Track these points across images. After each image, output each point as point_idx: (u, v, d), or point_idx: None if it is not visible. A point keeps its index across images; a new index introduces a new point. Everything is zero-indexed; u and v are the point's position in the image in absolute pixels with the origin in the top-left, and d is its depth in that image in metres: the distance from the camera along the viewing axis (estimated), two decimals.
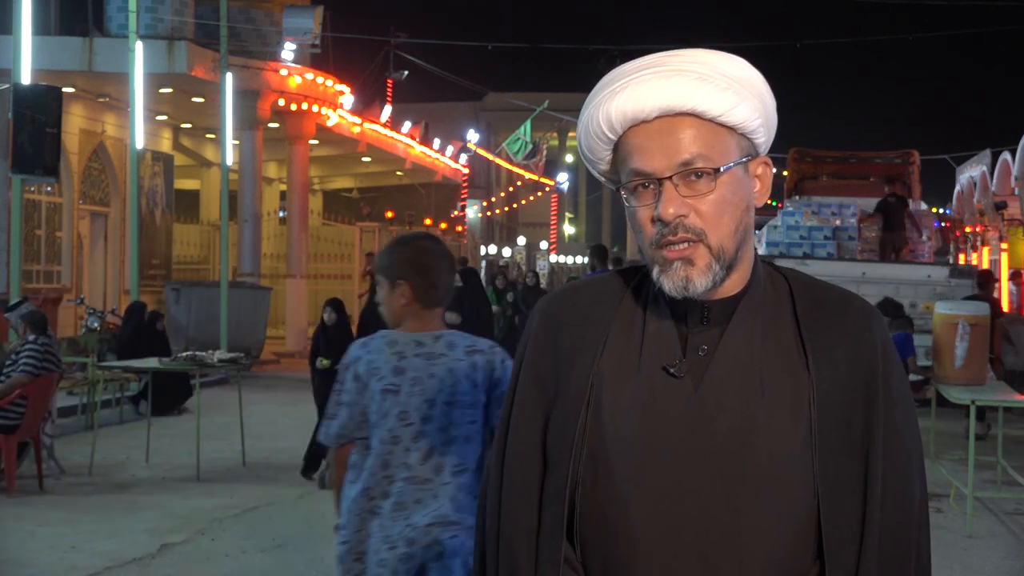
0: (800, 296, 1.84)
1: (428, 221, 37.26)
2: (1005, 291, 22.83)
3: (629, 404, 1.78)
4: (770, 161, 1.87)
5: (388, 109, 30.76)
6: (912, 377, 10.35)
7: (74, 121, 20.13)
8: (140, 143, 18.13)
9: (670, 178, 1.75)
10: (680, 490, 1.73)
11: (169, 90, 20.36)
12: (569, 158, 58.97)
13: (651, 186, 1.76)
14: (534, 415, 1.85)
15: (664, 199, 1.74)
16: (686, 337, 1.80)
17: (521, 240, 50.77)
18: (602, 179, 1.92)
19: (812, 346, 1.78)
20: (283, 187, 28.00)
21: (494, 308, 18.20)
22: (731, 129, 1.79)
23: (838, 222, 17.17)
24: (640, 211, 1.78)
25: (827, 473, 1.73)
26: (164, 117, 23.32)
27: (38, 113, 11.86)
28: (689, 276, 1.75)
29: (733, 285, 1.81)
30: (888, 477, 1.76)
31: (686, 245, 1.75)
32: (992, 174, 24.21)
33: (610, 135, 1.81)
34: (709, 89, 1.75)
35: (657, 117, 1.76)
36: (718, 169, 1.76)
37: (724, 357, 1.78)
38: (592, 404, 1.79)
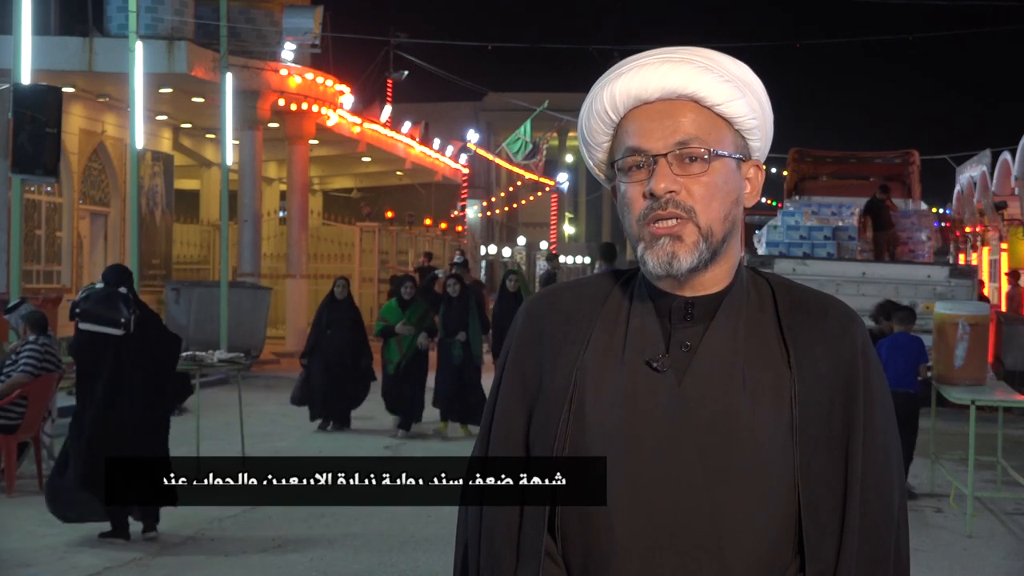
0: (782, 297, 1.87)
1: (428, 221, 37.25)
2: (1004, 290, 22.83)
3: (611, 398, 1.80)
4: (762, 166, 1.92)
5: (388, 109, 30.74)
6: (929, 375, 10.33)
7: (74, 121, 20.13)
8: (140, 143, 18.12)
9: (665, 156, 1.79)
10: (661, 483, 1.75)
11: (169, 90, 20.36)
12: (569, 158, 58.93)
13: (645, 165, 1.81)
14: (517, 411, 1.88)
15: (657, 175, 1.79)
16: (669, 333, 1.83)
17: (521, 240, 50.77)
18: (596, 172, 1.95)
19: (794, 345, 1.82)
20: (283, 187, 27.99)
21: (398, 325, 12.71)
22: (728, 123, 1.84)
23: (838, 222, 17.15)
24: (632, 187, 1.82)
25: (807, 469, 1.76)
26: (164, 117, 23.32)
27: (38, 113, 11.85)
28: (675, 252, 1.78)
29: (717, 281, 1.84)
30: (868, 475, 1.79)
31: (675, 221, 1.78)
32: (992, 174, 24.19)
33: (612, 116, 1.85)
34: (711, 78, 1.81)
35: (659, 99, 1.82)
36: (712, 152, 1.80)
37: (707, 353, 1.81)
38: (575, 399, 1.82)
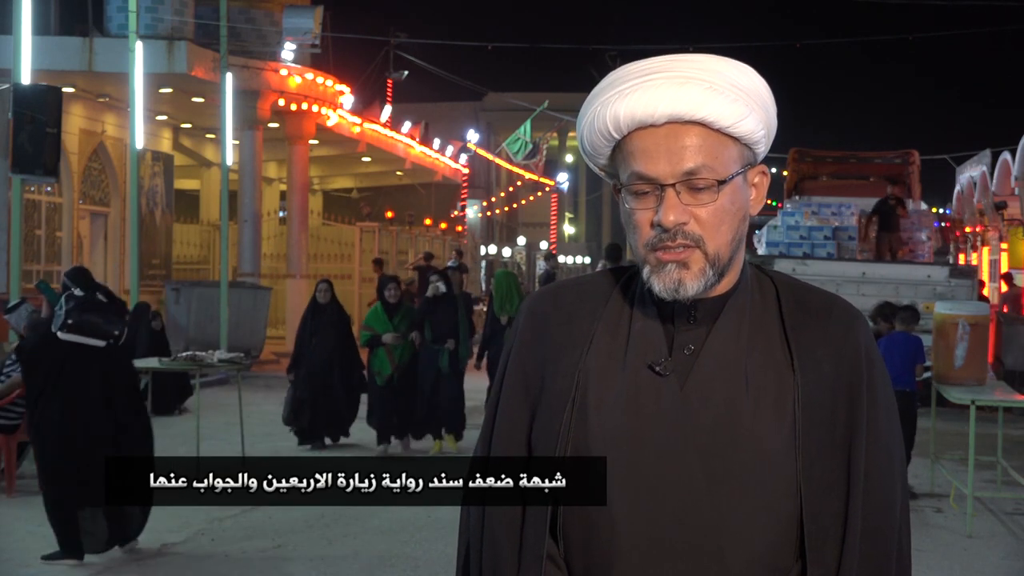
0: (785, 298, 1.86)
1: (428, 221, 37.23)
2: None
3: (614, 401, 1.79)
4: (767, 170, 1.90)
5: (388, 109, 30.73)
6: (927, 375, 10.34)
7: (74, 121, 20.12)
8: (140, 143, 18.13)
9: (673, 185, 1.76)
10: (663, 486, 1.75)
11: (169, 90, 20.36)
12: (569, 158, 58.94)
13: (652, 191, 1.78)
14: (520, 412, 1.87)
15: (666, 206, 1.76)
16: (672, 336, 1.82)
17: (521, 240, 50.74)
18: (599, 171, 1.93)
19: (796, 347, 1.81)
20: (283, 187, 27.99)
21: (386, 336, 11.50)
22: (735, 139, 1.80)
23: (838, 222, 17.15)
24: (639, 213, 1.79)
25: (810, 472, 1.76)
26: (164, 117, 23.32)
27: (38, 113, 11.85)
28: (682, 279, 1.77)
29: (721, 287, 1.82)
30: (870, 478, 1.78)
31: (682, 249, 1.76)
32: (992, 174, 24.18)
33: (615, 134, 1.82)
34: (720, 100, 1.77)
35: (665, 123, 1.77)
36: (722, 180, 1.77)
37: (709, 356, 1.80)
38: (577, 401, 1.81)
